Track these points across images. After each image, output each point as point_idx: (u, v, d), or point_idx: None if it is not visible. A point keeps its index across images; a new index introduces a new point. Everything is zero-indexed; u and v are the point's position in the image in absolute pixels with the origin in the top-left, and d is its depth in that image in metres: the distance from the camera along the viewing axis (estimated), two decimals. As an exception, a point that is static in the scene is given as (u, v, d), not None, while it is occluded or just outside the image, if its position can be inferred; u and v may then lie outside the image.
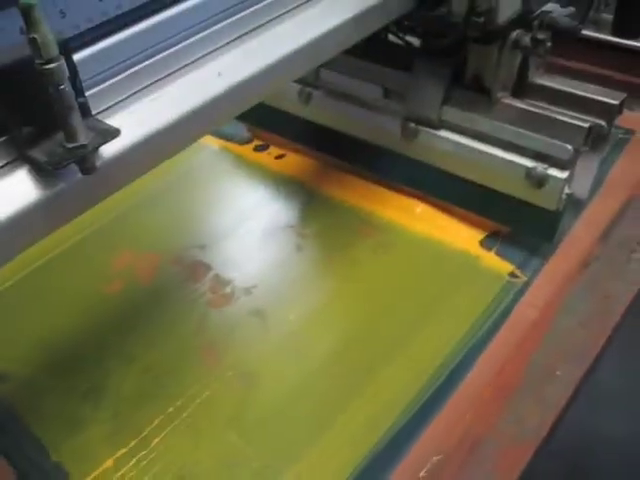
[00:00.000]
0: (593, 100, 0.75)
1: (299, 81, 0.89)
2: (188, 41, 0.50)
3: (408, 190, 0.86)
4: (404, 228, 0.80)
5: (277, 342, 0.65)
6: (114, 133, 0.41)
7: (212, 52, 0.52)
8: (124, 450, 0.57)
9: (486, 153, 0.76)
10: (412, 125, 0.81)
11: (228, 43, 0.52)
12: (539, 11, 0.71)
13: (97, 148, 0.40)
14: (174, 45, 0.49)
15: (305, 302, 0.69)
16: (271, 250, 0.77)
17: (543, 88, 0.77)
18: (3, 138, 0.40)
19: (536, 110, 0.74)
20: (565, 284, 0.72)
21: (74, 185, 0.41)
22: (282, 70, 0.54)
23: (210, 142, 0.94)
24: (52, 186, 0.41)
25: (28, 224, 0.40)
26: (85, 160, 0.40)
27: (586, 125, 0.71)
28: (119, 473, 0.55)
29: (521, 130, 0.74)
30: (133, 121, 0.45)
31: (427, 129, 0.80)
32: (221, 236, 0.78)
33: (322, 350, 0.64)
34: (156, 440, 0.57)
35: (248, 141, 0.95)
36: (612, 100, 0.75)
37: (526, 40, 0.70)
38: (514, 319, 0.68)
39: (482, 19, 0.66)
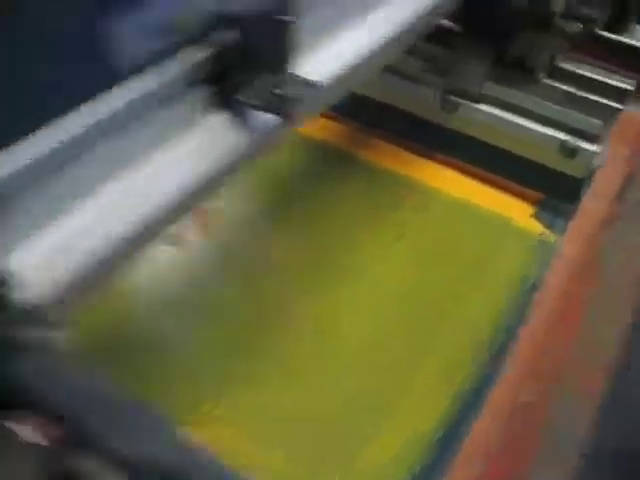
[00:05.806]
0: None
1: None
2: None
3: (444, 157, 0.94)
4: (441, 192, 0.88)
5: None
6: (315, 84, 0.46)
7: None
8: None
9: (524, 127, 0.86)
10: (452, 98, 0.89)
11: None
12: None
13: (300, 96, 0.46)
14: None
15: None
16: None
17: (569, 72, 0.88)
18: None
19: (571, 90, 0.84)
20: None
21: (272, 127, 0.46)
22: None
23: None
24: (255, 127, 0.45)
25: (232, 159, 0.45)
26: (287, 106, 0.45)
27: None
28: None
29: (558, 107, 0.84)
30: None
31: (467, 102, 0.88)
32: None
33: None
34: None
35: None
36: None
37: (573, 27, 0.80)
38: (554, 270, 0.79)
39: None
